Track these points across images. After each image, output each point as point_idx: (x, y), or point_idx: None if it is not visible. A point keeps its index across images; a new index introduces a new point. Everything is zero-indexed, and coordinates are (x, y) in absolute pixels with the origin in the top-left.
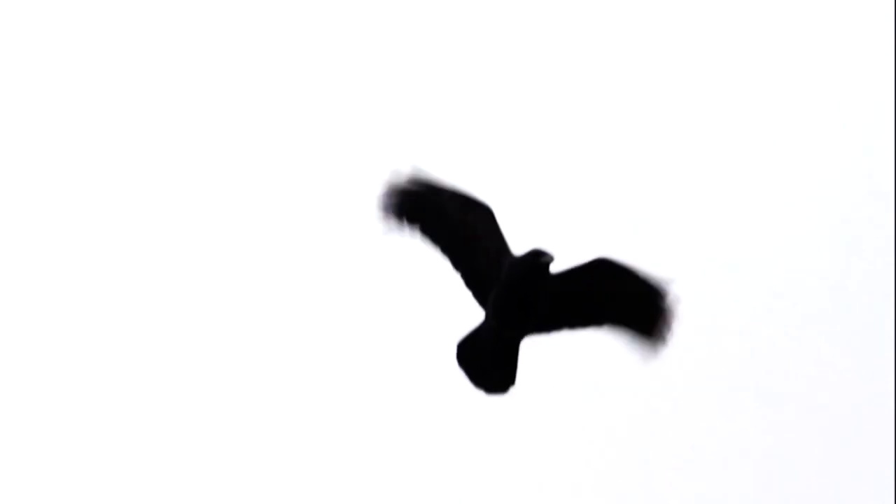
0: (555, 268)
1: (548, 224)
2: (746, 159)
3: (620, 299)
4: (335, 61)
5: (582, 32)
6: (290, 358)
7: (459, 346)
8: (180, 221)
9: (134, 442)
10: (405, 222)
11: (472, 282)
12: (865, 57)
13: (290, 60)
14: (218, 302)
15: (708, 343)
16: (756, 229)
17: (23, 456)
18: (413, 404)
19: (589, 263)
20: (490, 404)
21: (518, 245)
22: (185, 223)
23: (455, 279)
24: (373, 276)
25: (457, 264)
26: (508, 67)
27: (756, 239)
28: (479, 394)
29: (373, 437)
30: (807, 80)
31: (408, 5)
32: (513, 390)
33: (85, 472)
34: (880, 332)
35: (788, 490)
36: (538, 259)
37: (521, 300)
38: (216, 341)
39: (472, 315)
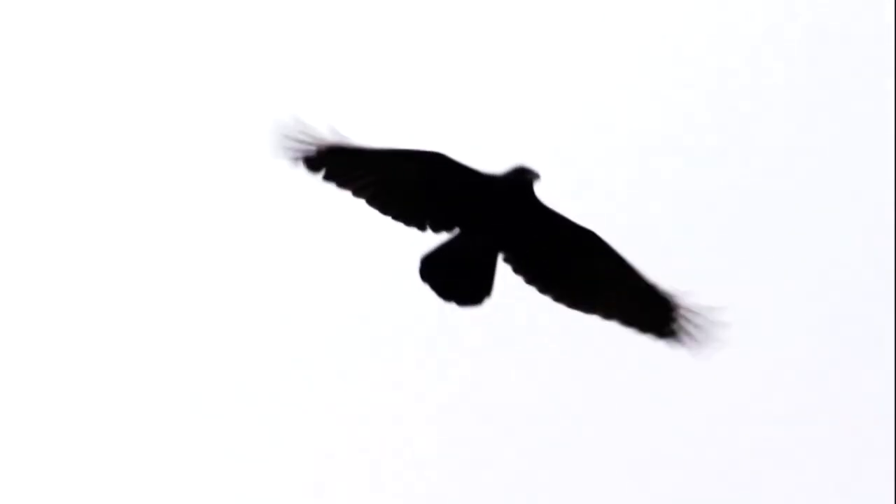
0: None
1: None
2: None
3: (620, 291)
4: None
5: None
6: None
7: (425, 260)
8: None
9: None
10: (323, 174)
11: (431, 213)
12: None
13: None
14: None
15: None
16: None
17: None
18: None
19: (582, 227)
20: (462, 316)
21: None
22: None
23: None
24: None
25: (394, 210)
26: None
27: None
28: (451, 306)
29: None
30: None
31: None
32: (487, 301)
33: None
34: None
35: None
36: (523, 175)
37: (506, 212)
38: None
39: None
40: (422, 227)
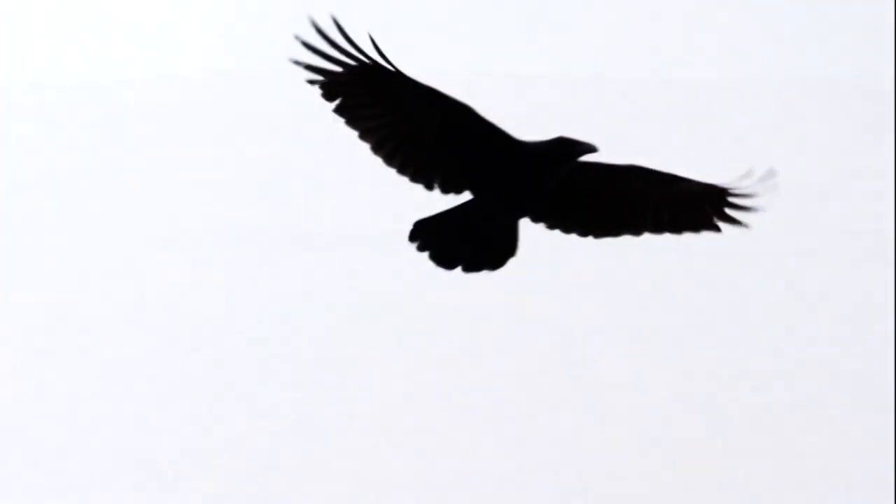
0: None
1: None
2: None
3: (673, 203)
4: None
5: None
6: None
7: (429, 227)
8: None
9: None
10: (339, 103)
11: (447, 169)
12: None
13: None
14: None
15: None
16: None
17: None
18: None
19: (624, 166)
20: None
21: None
22: None
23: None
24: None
25: (402, 160)
26: None
27: None
28: (471, 273)
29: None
30: None
31: None
32: (509, 263)
33: None
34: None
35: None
36: (577, 147)
37: (544, 185)
38: None
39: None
40: (429, 185)
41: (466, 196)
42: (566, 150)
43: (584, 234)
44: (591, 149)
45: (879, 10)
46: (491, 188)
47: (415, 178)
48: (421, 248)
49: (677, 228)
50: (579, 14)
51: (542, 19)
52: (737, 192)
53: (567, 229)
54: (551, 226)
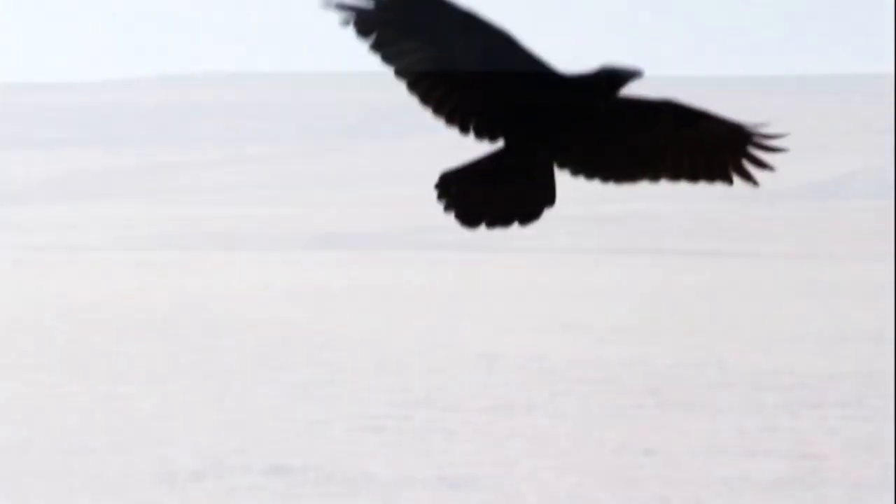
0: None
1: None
2: None
3: (699, 146)
4: None
5: None
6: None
7: (457, 176)
8: None
9: None
10: (374, 39)
11: (478, 104)
12: None
13: None
14: None
15: None
16: None
17: None
18: None
19: (655, 101)
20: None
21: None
22: None
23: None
24: None
25: (439, 97)
26: None
27: None
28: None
29: None
30: None
31: None
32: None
33: None
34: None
35: None
36: (622, 74)
37: (587, 117)
38: None
39: None
40: (465, 126)
41: (500, 144)
42: (611, 79)
43: (605, 179)
44: (636, 73)
45: (879, 10)
46: (529, 126)
47: (450, 120)
48: (448, 205)
49: (695, 175)
50: (580, 13)
51: (545, 19)
52: (763, 132)
53: (590, 175)
54: (575, 171)
